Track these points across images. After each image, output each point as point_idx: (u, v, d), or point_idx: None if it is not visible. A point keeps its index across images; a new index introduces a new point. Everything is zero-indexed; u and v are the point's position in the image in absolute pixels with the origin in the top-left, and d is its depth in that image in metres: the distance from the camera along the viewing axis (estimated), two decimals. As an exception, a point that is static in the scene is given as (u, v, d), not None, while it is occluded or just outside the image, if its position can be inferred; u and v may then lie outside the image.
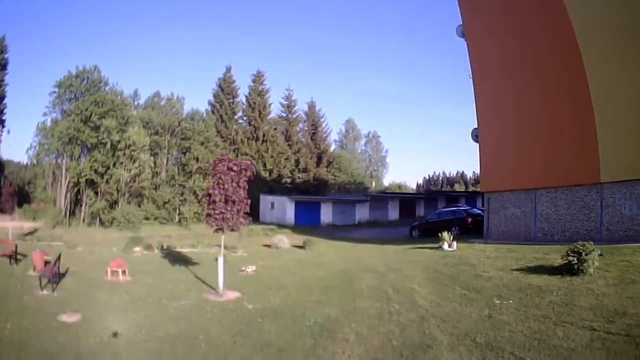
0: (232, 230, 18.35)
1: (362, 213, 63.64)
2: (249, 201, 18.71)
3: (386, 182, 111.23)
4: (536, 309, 12.69)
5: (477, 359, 9.59)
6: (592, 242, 16.44)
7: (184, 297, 17.29)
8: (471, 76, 32.48)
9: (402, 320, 13.17)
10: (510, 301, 13.93)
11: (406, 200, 70.49)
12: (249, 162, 19.09)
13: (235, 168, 18.04)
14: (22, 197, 63.79)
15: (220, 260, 18.33)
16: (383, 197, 73.00)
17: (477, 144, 31.72)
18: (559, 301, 13.19)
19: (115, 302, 15.89)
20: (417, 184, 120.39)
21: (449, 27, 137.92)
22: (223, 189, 17.78)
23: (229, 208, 17.79)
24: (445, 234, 26.50)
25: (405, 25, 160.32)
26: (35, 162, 63.58)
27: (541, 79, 26.54)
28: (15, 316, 13.05)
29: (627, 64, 21.96)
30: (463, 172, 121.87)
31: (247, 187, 18.67)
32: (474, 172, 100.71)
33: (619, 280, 14.48)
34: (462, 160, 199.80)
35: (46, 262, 20.86)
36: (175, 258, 26.35)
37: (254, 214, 57.71)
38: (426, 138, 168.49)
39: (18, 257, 22.81)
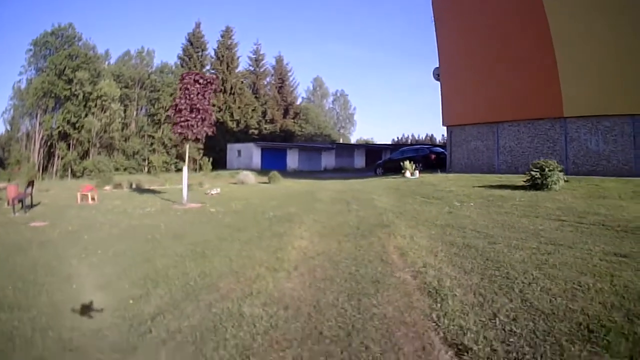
0: (197, 138, 18.82)
1: (328, 160, 63.56)
2: (214, 113, 19.28)
3: (353, 139, 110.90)
4: (498, 209, 13.01)
5: (437, 233, 9.90)
6: (555, 161, 16.86)
7: (149, 207, 17.71)
8: (433, 19, 32.60)
9: (361, 214, 13.62)
10: (472, 204, 14.26)
11: (373, 150, 70.11)
12: (214, 77, 19.79)
13: (201, 81, 18.61)
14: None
15: (185, 170, 19.01)
16: (349, 146, 73.76)
17: (439, 83, 32.04)
18: (523, 204, 13.48)
19: (82, 214, 16.10)
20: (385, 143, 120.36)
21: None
22: (189, 98, 18.26)
23: (193, 116, 18.28)
24: (407, 163, 27.16)
25: None
26: (9, 127, 63.22)
27: (502, 17, 26.86)
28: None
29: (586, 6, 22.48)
30: (432, 135, 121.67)
31: (211, 99, 19.26)
32: (442, 135, 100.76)
33: (587, 195, 14.67)
34: (431, 124, 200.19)
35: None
36: (144, 191, 26.68)
37: (221, 163, 58.37)
38: (396, 101, 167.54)
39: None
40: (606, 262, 6.95)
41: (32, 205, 18.61)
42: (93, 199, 20.86)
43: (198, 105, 18.31)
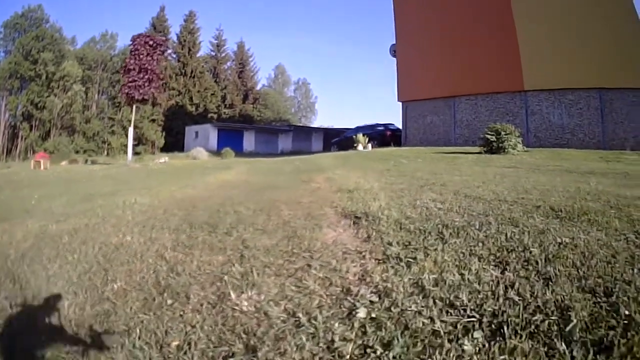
0: (144, 99, 19.01)
1: (285, 143, 63.00)
2: (161, 76, 19.46)
3: (315, 125, 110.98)
4: (447, 164, 12.57)
5: (374, 173, 9.70)
6: (512, 126, 16.77)
7: (96, 168, 18.80)
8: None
9: (301, 166, 13.86)
10: (419, 160, 14.26)
11: (331, 133, 68.13)
12: (163, 38, 19.93)
13: (151, 42, 18.75)
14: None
15: (130, 129, 19.36)
16: (307, 129, 73.10)
17: (395, 59, 31.94)
18: (474, 160, 13.48)
19: (34, 174, 16.80)
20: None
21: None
22: (138, 59, 18.30)
23: (141, 76, 18.40)
24: (360, 136, 26.87)
25: None
26: None
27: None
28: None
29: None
30: (394, 124, 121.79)
31: (160, 62, 19.53)
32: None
33: (547, 158, 14.42)
34: (393, 115, 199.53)
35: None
36: (96, 164, 27.32)
37: (179, 146, 58.00)
38: (357, 92, 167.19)
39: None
40: (568, 183, 6.97)
41: None
42: (45, 167, 21.70)
43: (147, 66, 18.48)
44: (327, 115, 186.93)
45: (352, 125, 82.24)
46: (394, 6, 32.11)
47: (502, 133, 16.05)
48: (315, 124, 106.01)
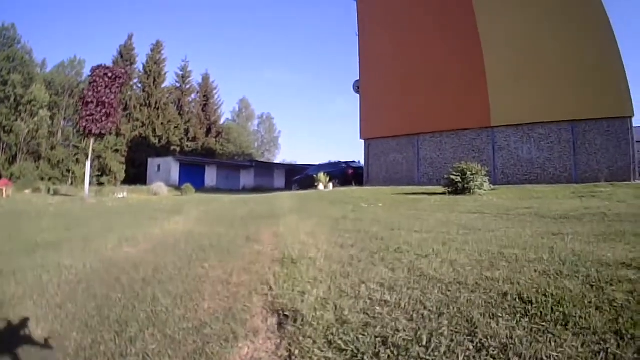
0: (101, 133, 18.68)
1: (247, 179, 63.04)
2: (120, 110, 19.23)
3: (277, 161, 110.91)
4: (409, 210, 11.91)
5: (328, 223, 9.00)
6: (479, 164, 16.32)
7: (53, 201, 18.15)
8: (357, 33, 32.42)
9: (255, 209, 13.61)
10: (380, 205, 13.48)
11: (293, 169, 67.03)
12: (122, 70, 19.52)
13: (110, 74, 18.42)
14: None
15: (88, 163, 19.03)
16: (269, 165, 73.33)
17: (359, 95, 31.73)
18: (438, 205, 12.66)
19: None
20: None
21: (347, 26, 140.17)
22: (97, 92, 17.99)
23: (99, 110, 18.09)
24: (321, 175, 26.45)
25: (303, 21, 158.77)
26: None
27: (426, 26, 27.02)
28: None
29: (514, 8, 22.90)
30: (359, 161, 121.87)
31: (118, 95, 19.24)
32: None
33: (516, 197, 13.93)
34: (358, 151, 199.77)
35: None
36: (58, 195, 27.05)
37: (142, 179, 57.47)
38: (321, 127, 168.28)
39: None
40: (541, 238, 6.12)
41: None
42: (8, 195, 21.36)
43: (104, 99, 18.16)
44: (290, 150, 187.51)
45: (315, 161, 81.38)
46: (359, 42, 32.08)
47: (468, 173, 15.60)
48: (278, 159, 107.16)
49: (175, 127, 73.45)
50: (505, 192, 15.73)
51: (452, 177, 15.80)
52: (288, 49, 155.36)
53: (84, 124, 18.14)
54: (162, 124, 71.13)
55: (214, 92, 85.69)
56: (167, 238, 7.24)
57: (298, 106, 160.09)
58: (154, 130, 70.07)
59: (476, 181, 15.48)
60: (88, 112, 17.81)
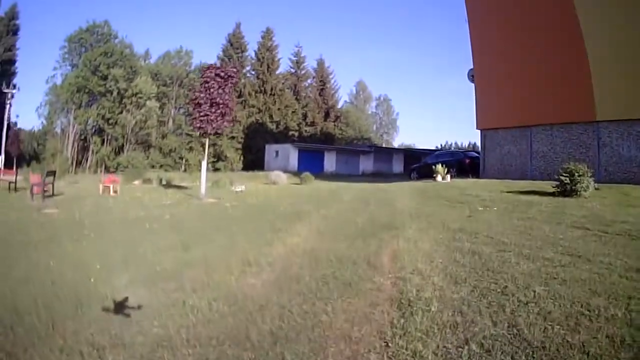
0: (216, 132, 18.58)
1: (366, 164, 63.94)
2: (234, 107, 19.14)
3: (396, 144, 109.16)
4: (522, 214, 12.17)
5: (446, 237, 9.05)
6: (585, 165, 15.95)
7: (167, 201, 17.70)
8: (467, 20, 31.79)
9: (376, 213, 13.09)
10: (495, 208, 13.49)
11: (412, 155, 67.45)
12: (235, 70, 19.40)
13: (222, 74, 18.23)
14: (34, 158, 63.06)
15: (204, 164, 18.71)
16: (388, 150, 73.15)
17: (473, 85, 31.25)
18: (547, 210, 12.63)
19: (97, 203, 16.46)
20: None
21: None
22: (209, 93, 17.97)
23: (213, 110, 17.95)
24: (439, 167, 26.53)
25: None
26: (45, 122, 64.90)
27: (533, 17, 26.07)
28: (6, 209, 14.41)
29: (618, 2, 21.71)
30: (475, 143, 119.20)
31: (232, 93, 19.01)
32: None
33: (616, 203, 13.73)
34: (476, 133, 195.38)
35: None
36: (171, 186, 26.73)
37: (259, 165, 58.12)
38: (439, 107, 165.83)
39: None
40: (626, 279, 5.96)
41: (52, 195, 18.95)
42: (115, 191, 20.93)
43: (218, 100, 17.97)
44: (407, 132, 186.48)
45: (433, 144, 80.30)
46: (470, 30, 31.57)
47: (576, 174, 15.40)
48: (396, 142, 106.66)
49: (292, 112, 74.46)
50: (607, 195, 15.58)
51: (562, 178, 15.67)
52: (402, 28, 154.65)
53: (198, 125, 18.12)
54: (278, 109, 72.22)
55: (330, 76, 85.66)
56: (291, 262, 7.19)
57: (414, 87, 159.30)
58: (270, 116, 71.21)
59: (582, 183, 15.28)
60: (202, 113, 17.82)
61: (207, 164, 19.69)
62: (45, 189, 18.26)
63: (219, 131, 18.47)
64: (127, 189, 23.45)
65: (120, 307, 5.20)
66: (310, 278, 6.33)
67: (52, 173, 20.07)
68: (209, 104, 17.92)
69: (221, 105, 18.06)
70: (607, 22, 21.99)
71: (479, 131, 30.54)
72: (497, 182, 22.49)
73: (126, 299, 5.42)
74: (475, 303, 5.25)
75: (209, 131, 18.15)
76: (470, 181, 24.41)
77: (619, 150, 21.91)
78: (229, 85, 18.44)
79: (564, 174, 15.71)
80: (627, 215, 11.24)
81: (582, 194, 15.18)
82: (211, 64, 19.64)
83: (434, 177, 26.18)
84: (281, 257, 7.47)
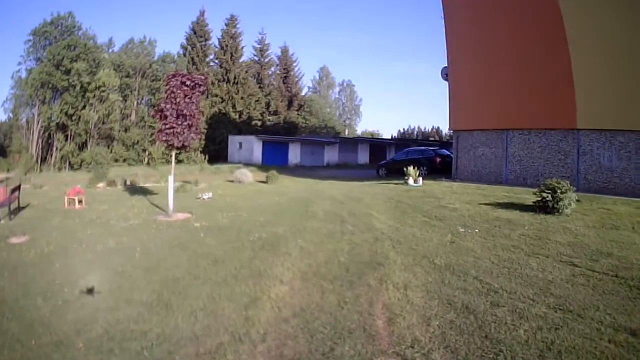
0: (184, 145, 17.76)
1: (331, 155, 63.75)
2: (201, 118, 18.41)
3: (359, 130, 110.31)
4: (505, 239, 11.85)
5: (435, 280, 8.65)
6: (568, 182, 15.61)
7: (134, 218, 16.81)
8: (442, 16, 31.40)
9: (355, 239, 12.45)
10: (477, 230, 13.13)
11: (377, 145, 70.42)
12: (202, 77, 18.51)
13: (188, 83, 17.35)
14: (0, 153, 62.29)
15: (171, 179, 17.88)
16: (353, 140, 72.25)
17: (447, 83, 30.99)
18: (531, 235, 12.34)
19: (64, 224, 15.69)
20: (391, 136, 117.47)
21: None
22: (175, 103, 17.11)
23: (179, 122, 17.13)
24: (410, 169, 25.98)
25: None
26: (11, 115, 63.90)
27: (516, 19, 25.73)
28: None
29: (604, 9, 21.31)
30: (439, 127, 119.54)
31: (199, 102, 18.19)
32: (449, 129, 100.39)
33: (599, 225, 13.46)
34: (439, 117, 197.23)
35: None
36: (136, 190, 25.89)
37: (222, 156, 57.74)
38: (401, 92, 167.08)
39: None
40: (614, 345, 5.80)
41: (19, 208, 18.69)
42: (80, 202, 20.46)
43: (185, 111, 17.15)
44: (372, 118, 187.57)
45: (395, 129, 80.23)
46: (446, 28, 31.20)
47: (558, 192, 15.07)
48: (359, 127, 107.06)
49: (256, 101, 74.10)
50: (589, 212, 15.42)
51: (543, 195, 15.36)
52: (366, 11, 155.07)
53: (164, 138, 17.21)
54: (242, 98, 71.79)
55: (294, 64, 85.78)
56: (283, 333, 6.45)
57: (377, 72, 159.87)
58: (233, 106, 70.91)
59: (564, 200, 14.99)
60: (168, 125, 16.99)
61: (169, 155, 18.87)
62: (10, 201, 17.60)
63: (186, 144, 17.65)
64: (92, 197, 22.76)
65: None
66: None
67: (17, 187, 19.37)
68: (175, 116, 17.12)
69: (188, 117, 17.29)
70: (594, 30, 21.78)
71: (452, 131, 30.51)
72: (472, 188, 22.27)
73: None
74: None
75: (175, 144, 17.34)
76: (444, 185, 24.10)
77: (600, 160, 21.80)
78: (196, 94, 17.63)
79: (546, 191, 15.40)
80: (612, 244, 11.07)
81: (564, 212, 14.95)
82: (176, 72, 18.92)
83: (406, 180, 25.74)
84: (271, 326, 6.80)
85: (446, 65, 31.27)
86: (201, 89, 17.94)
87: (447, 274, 8.96)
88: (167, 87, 17.67)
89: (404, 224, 14.50)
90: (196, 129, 17.84)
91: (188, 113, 17.27)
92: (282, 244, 12.06)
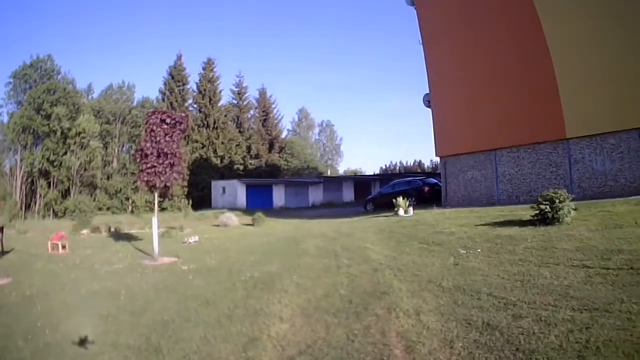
0: (166, 186, 17.13)
1: (315, 195, 63.45)
2: (183, 157, 17.90)
3: (341, 170, 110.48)
4: (511, 255, 11.37)
5: (447, 302, 8.05)
6: (565, 190, 15.27)
7: (118, 263, 16.23)
8: (421, 42, 31.34)
9: (353, 272, 11.78)
10: (479, 250, 12.61)
11: (361, 182, 70.40)
12: (183, 115, 18.03)
13: (168, 121, 16.87)
14: (-17, 200, 61.49)
15: (154, 221, 17.19)
16: (337, 179, 72.30)
17: (430, 110, 30.67)
18: (536, 246, 11.88)
19: (48, 268, 15.27)
20: (374, 173, 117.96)
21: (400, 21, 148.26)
22: (155, 142, 16.60)
23: (161, 161, 16.60)
24: (400, 199, 25.57)
25: (354, 18, 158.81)
26: None
27: (494, 35, 25.73)
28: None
29: (582, 15, 21.41)
30: (420, 160, 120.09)
31: (180, 141, 17.79)
32: (431, 160, 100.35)
33: (602, 227, 13.15)
34: (420, 150, 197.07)
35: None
36: (120, 236, 25.22)
37: (206, 201, 57.36)
38: (381, 128, 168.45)
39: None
40: None
41: (2, 252, 18.46)
42: (64, 247, 19.94)
43: (166, 149, 16.67)
44: (352, 157, 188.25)
45: (378, 166, 79.90)
46: (424, 51, 31.02)
47: (557, 201, 14.67)
48: (342, 167, 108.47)
49: (236, 146, 73.77)
50: (588, 217, 15.05)
51: (541, 207, 14.92)
52: (342, 51, 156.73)
53: (145, 178, 16.62)
54: (222, 143, 71.50)
55: (273, 106, 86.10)
56: None
57: (356, 110, 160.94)
58: (214, 151, 70.53)
59: (563, 209, 14.60)
60: (149, 165, 16.41)
61: (155, 220, 18.03)
62: None
63: (168, 184, 17.02)
64: (76, 243, 22.29)
65: None
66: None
67: (1, 229, 19.13)
68: (155, 154, 16.60)
69: (169, 155, 16.78)
70: (574, 37, 21.75)
71: (439, 158, 29.95)
72: (465, 212, 21.71)
73: None
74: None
75: (157, 185, 16.75)
76: (435, 213, 23.50)
77: (593, 165, 21.55)
78: (177, 132, 17.10)
79: (543, 202, 15.00)
80: (620, 242, 10.83)
81: (565, 221, 14.52)
82: (156, 109, 18.80)
83: (396, 211, 25.23)
84: None
85: (427, 92, 31.01)
86: (182, 126, 17.43)
87: (459, 295, 8.42)
88: (147, 125, 17.14)
89: (402, 253, 13.97)
90: (178, 168, 17.30)
91: (169, 152, 16.79)
92: (277, 281, 11.36)
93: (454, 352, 5.84)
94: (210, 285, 11.67)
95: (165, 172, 16.68)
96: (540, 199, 15.22)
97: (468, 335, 6.39)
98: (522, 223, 15.72)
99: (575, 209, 15.32)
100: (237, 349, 6.80)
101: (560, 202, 14.64)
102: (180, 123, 17.26)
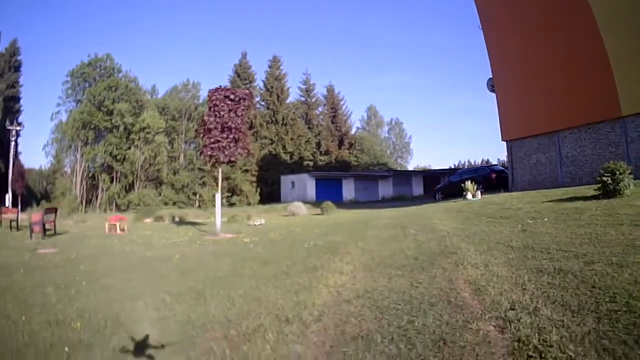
0: (230, 161, 17.00)
1: (385, 189, 62.03)
2: (248, 133, 17.58)
3: (411, 167, 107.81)
4: (577, 221, 11.25)
5: (516, 257, 7.88)
6: (624, 163, 15.13)
7: (178, 238, 16.30)
8: (481, 27, 30.92)
9: (420, 239, 11.56)
10: (546, 219, 12.47)
11: (430, 176, 67.37)
12: (247, 92, 17.89)
13: (232, 97, 16.85)
14: (44, 197, 62.61)
15: (218, 196, 17.19)
16: (406, 173, 71.40)
17: (494, 95, 30.25)
18: (600, 214, 11.71)
19: (101, 243, 15.42)
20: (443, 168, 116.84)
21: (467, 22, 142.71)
22: (219, 116, 16.55)
23: (225, 136, 16.50)
24: (468, 184, 25.27)
25: (423, 19, 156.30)
26: (53, 160, 63.65)
27: (548, 17, 25.17)
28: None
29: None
30: (488, 160, 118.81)
31: (245, 117, 17.58)
32: (498, 159, 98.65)
33: None
34: (487, 149, 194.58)
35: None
36: (184, 223, 25.38)
37: (275, 197, 57.18)
38: (450, 128, 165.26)
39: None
40: None
41: (55, 233, 18.54)
42: (122, 229, 19.99)
43: (230, 124, 16.56)
44: (422, 155, 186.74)
45: (447, 164, 78.87)
46: (485, 36, 30.65)
47: (617, 173, 14.47)
48: (411, 165, 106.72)
49: (306, 142, 73.51)
50: None
51: (603, 178, 14.64)
52: (407, 50, 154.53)
53: (209, 153, 16.58)
54: (291, 139, 71.34)
55: (341, 102, 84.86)
56: (338, 310, 5.67)
57: (424, 108, 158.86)
58: (284, 147, 70.37)
59: (624, 181, 14.39)
60: (213, 139, 16.37)
61: (222, 198, 17.86)
62: (48, 227, 17.79)
63: (233, 159, 16.91)
64: (136, 227, 22.61)
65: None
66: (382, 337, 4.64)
67: (53, 210, 19.55)
68: (219, 129, 16.54)
69: (233, 130, 16.68)
70: (622, 13, 21.06)
71: (505, 143, 29.44)
72: (532, 194, 21.12)
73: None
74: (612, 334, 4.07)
75: (221, 159, 16.71)
76: (502, 196, 23.05)
77: (649, 144, 20.87)
78: (241, 108, 17.01)
79: (605, 174, 14.73)
80: None
81: (625, 194, 14.29)
82: (219, 87, 18.05)
83: (464, 195, 24.99)
84: (328, 308, 5.86)
85: (491, 77, 30.65)
86: (246, 102, 17.35)
87: (528, 252, 8.24)
88: (211, 101, 17.17)
89: (470, 225, 13.89)
90: (243, 143, 17.17)
91: (233, 126, 16.71)
92: (341, 247, 11.17)
93: (526, 292, 5.64)
94: (272, 251, 11.62)
95: (230, 147, 16.64)
96: (602, 171, 14.92)
97: (540, 279, 6.23)
98: (585, 198, 15.39)
99: (636, 185, 15.11)
100: (289, 294, 6.66)
101: (620, 173, 14.42)
102: (244, 99, 17.22)
